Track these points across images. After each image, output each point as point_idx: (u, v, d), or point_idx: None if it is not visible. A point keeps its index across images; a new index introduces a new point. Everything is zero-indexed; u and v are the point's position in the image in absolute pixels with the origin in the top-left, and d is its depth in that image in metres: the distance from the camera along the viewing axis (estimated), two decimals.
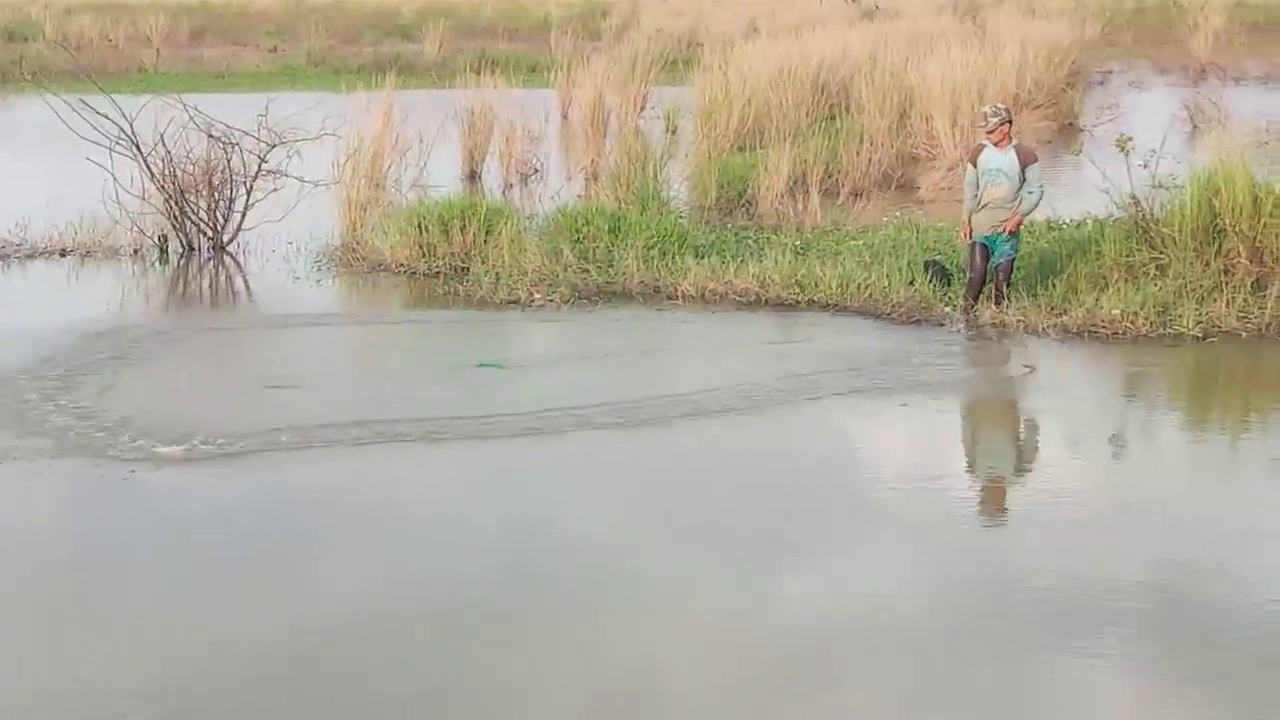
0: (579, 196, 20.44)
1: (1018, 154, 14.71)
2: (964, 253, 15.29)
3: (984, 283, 14.89)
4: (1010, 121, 14.89)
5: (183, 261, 18.82)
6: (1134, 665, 7.81)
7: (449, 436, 11.38)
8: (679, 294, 15.97)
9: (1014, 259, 14.90)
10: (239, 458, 10.89)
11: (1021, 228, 14.94)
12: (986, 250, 14.82)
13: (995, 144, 14.71)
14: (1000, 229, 14.65)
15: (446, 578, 8.91)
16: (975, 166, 14.81)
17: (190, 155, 19.09)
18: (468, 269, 16.96)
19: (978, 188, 14.73)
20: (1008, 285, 14.85)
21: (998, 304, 14.73)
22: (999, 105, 15.30)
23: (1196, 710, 7.31)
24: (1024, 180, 14.64)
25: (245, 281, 17.85)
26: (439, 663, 7.81)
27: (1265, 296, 14.52)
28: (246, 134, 19.27)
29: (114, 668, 7.77)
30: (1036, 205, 14.93)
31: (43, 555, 9.31)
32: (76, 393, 12.47)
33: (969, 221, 14.82)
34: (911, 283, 15.50)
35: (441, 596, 8.62)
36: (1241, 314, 14.40)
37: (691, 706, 7.38)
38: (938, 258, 16.30)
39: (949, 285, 15.46)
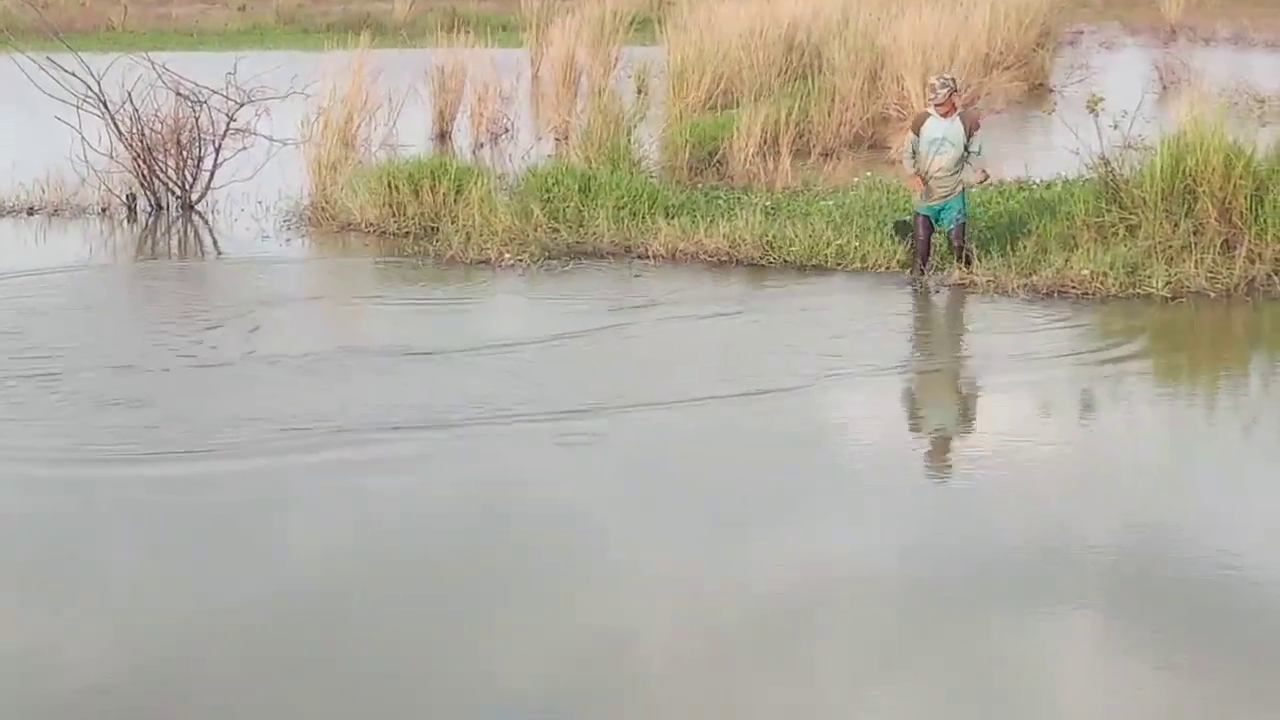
0: (549, 156, 20.40)
1: (963, 121, 14.72)
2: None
3: (929, 253, 14.91)
4: (956, 90, 14.90)
5: (151, 220, 18.73)
6: (1103, 625, 7.85)
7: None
8: (650, 254, 15.95)
9: (964, 222, 14.88)
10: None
11: (966, 192, 14.91)
12: (929, 222, 14.86)
13: (943, 114, 14.71)
14: (943, 198, 14.64)
15: (419, 545, 8.90)
16: (916, 135, 14.82)
17: (158, 114, 19.01)
18: (437, 228, 16.91)
19: (914, 156, 14.75)
20: (967, 248, 14.84)
21: (967, 265, 14.73)
22: (946, 75, 15.33)
23: (1163, 667, 7.35)
24: (969, 149, 14.63)
25: (214, 240, 17.80)
26: (415, 632, 7.80)
27: (1234, 257, 14.55)
28: (215, 92, 19.17)
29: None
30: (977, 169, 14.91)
31: None
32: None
33: (919, 178, 14.79)
34: (883, 244, 15.50)
35: (413, 565, 8.61)
36: (1210, 274, 14.43)
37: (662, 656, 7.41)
38: (907, 218, 16.28)
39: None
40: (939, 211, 14.78)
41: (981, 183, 14.74)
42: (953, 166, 14.65)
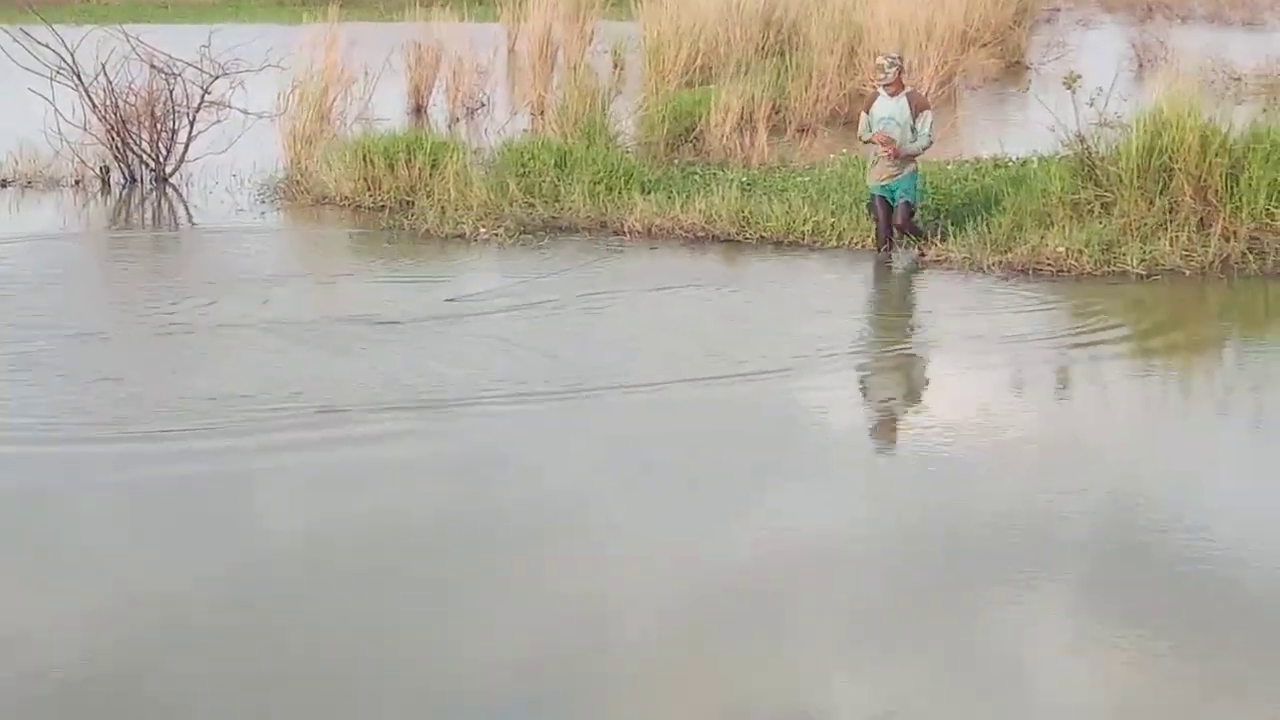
0: (525, 131, 20.35)
1: (909, 101, 14.78)
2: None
3: (891, 232, 14.93)
4: (903, 69, 15.02)
5: (125, 192, 18.67)
6: (1082, 603, 7.87)
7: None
8: (626, 229, 15.93)
9: (912, 204, 14.88)
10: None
11: (918, 174, 14.93)
12: (886, 202, 14.88)
13: (891, 94, 14.75)
14: (891, 177, 14.67)
15: (396, 521, 8.89)
16: (868, 114, 14.90)
17: (132, 86, 18.92)
18: (413, 202, 16.87)
19: (868, 133, 14.82)
20: (912, 231, 14.85)
21: (904, 249, 14.77)
22: (893, 55, 15.40)
23: (1141, 641, 7.36)
24: (915, 129, 14.65)
25: (188, 212, 17.76)
26: (390, 603, 7.79)
27: (1209, 235, 14.57)
28: (189, 65, 19.10)
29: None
30: (923, 150, 14.92)
31: None
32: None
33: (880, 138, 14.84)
34: (858, 220, 15.50)
35: (392, 539, 8.60)
36: (1185, 252, 14.45)
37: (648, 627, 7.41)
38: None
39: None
40: (892, 191, 14.80)
41: (890, 157, 14.63)
42: (902, 141, 14.65)
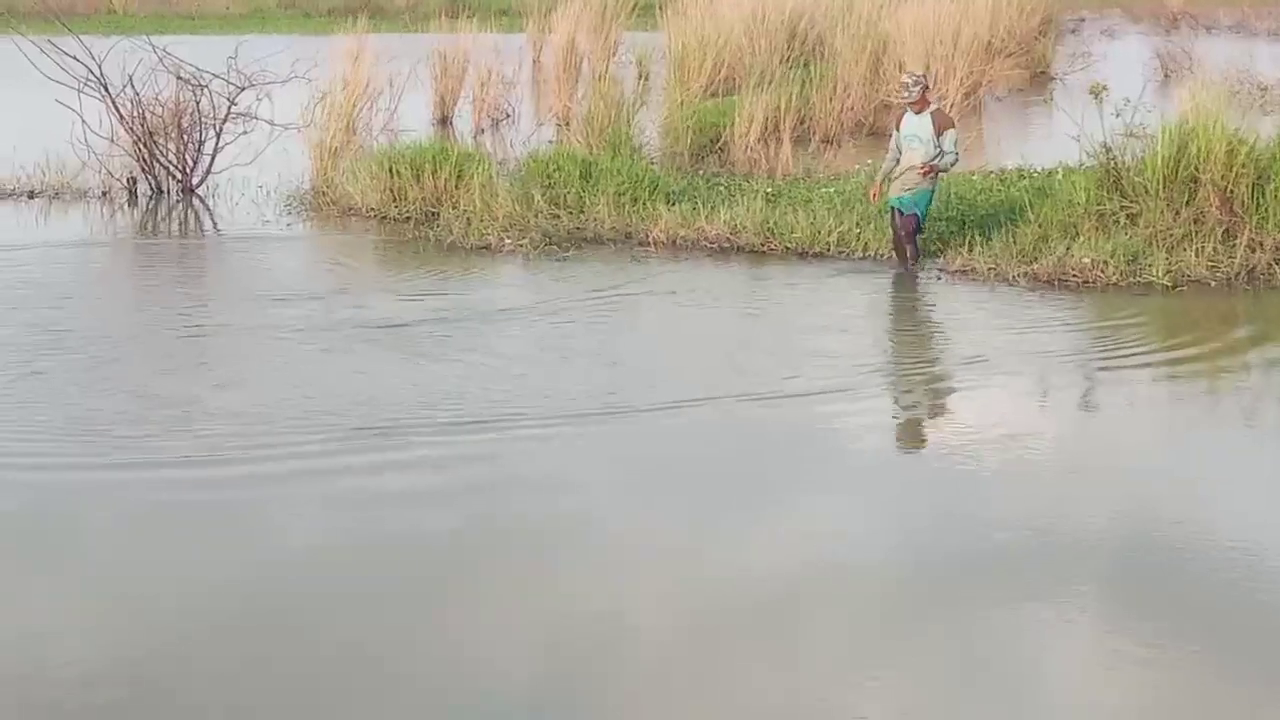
0: (550, 142, 20.37)
1: (933, 119, 14.75)
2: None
3: (915, 244, 14.91)
4: (928, 87, 15.01)
5: (151, 204, 18.74)
6: (1097, 615, 7.85)
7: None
8: (650, 240, 15.95)
9: (919, 217, 14.86)
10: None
11: (934, 191, 14.94)
12: (902, 214, 14.85)
13: (916, 111, 14.75)
14: (911, 190, 14.66)
15: (410, 529, 8.90)
16: (898, 130, 14.89)
17: (159, 97, 18.99)
18: (438, 214, 16.90)
19: (900, 152, 14.79)
20: (910, 243, 14.81)
21: (912, 259, 14.73)
22: (916, 73, 15.42)
23: (1158, 654, 7.35)
24: (939, 146, 14.64)
25: (214, 223, 17.83)
26: (408, 607, 7.81)
27: (1234, 246, 14.54)
28: (216, 76, 19.16)
29: None
30: (951, 166, 14.94)
31: None
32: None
33: (880, 184, 14.91)
34: (883, 231, 15.48)
35: (407, 546, 8.61)
36: (1211, 263, 14.42)
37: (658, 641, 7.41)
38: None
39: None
40: (905, 204, 14.79)
41: (924, 174, 14.67)
42: (920, 163, 14.64)
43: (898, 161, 14.81)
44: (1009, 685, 7.06)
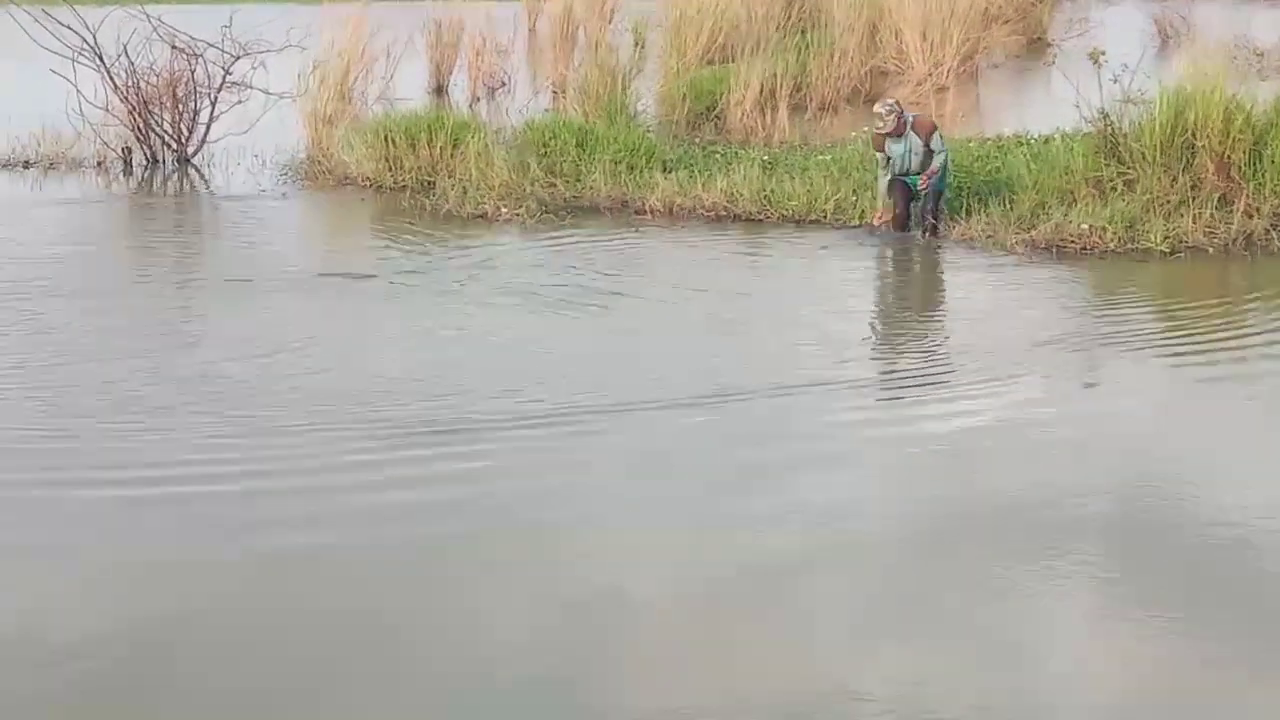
0: (546, 110, 20.33)
1: (916, 132, 14.71)
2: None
3: (908, 217, 14.88)
4: (901, 114, 14.79)
5: (147, 173, 18.72)
6: (1096, 583, 7.85)
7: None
8: (647, 209, 15.93)
9: (941, 192, 14.88)
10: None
11: (947, 166, 14.97)
12: (906, 187, 14.82)
13: (898, 136, 14.68)
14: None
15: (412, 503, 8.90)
16: (882, 152, 14.86)
17: (154, 67, 18.97)
18: (434, 183, 16.88)
19: (887, 165, 14.80)
20: (935, 218, 14.79)
21: (935, 234, 14.70)
22: (888, 101, 15.35)
23: (1157, 624, 7.36)
24: (930, 149, 14.64)
25: (210, 192, 17.82)
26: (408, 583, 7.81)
27: (1231, 212, 14.52)
28: (211, 45, 19.12)
29: None
30: (943, 166, 14.90)
31: None
32: None
33: (883, 206, 14.88)
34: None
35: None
36: (1208, 229, 14.41)
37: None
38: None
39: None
40: (914, 181, 14.77)
41: (923, 189, 14.70)
42: (926, 164, 14.66)
43: (890, 169, 14.79)
44: (1016, 656, 7.06)
